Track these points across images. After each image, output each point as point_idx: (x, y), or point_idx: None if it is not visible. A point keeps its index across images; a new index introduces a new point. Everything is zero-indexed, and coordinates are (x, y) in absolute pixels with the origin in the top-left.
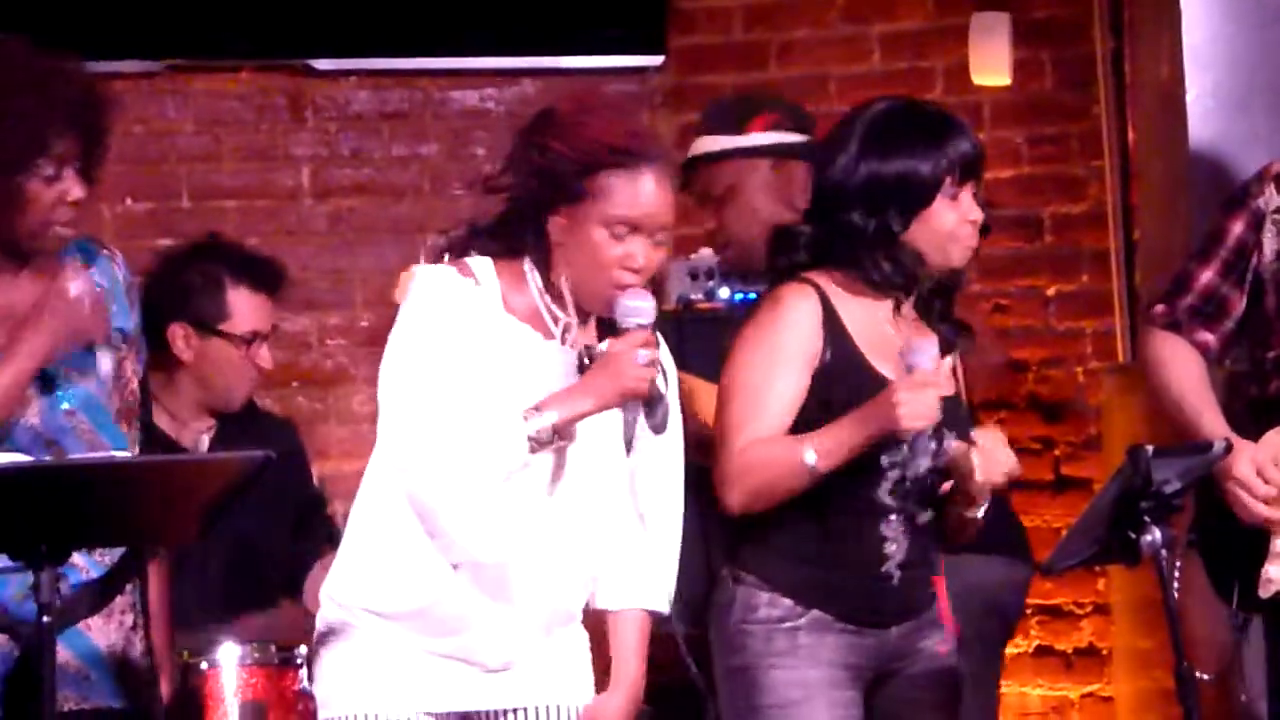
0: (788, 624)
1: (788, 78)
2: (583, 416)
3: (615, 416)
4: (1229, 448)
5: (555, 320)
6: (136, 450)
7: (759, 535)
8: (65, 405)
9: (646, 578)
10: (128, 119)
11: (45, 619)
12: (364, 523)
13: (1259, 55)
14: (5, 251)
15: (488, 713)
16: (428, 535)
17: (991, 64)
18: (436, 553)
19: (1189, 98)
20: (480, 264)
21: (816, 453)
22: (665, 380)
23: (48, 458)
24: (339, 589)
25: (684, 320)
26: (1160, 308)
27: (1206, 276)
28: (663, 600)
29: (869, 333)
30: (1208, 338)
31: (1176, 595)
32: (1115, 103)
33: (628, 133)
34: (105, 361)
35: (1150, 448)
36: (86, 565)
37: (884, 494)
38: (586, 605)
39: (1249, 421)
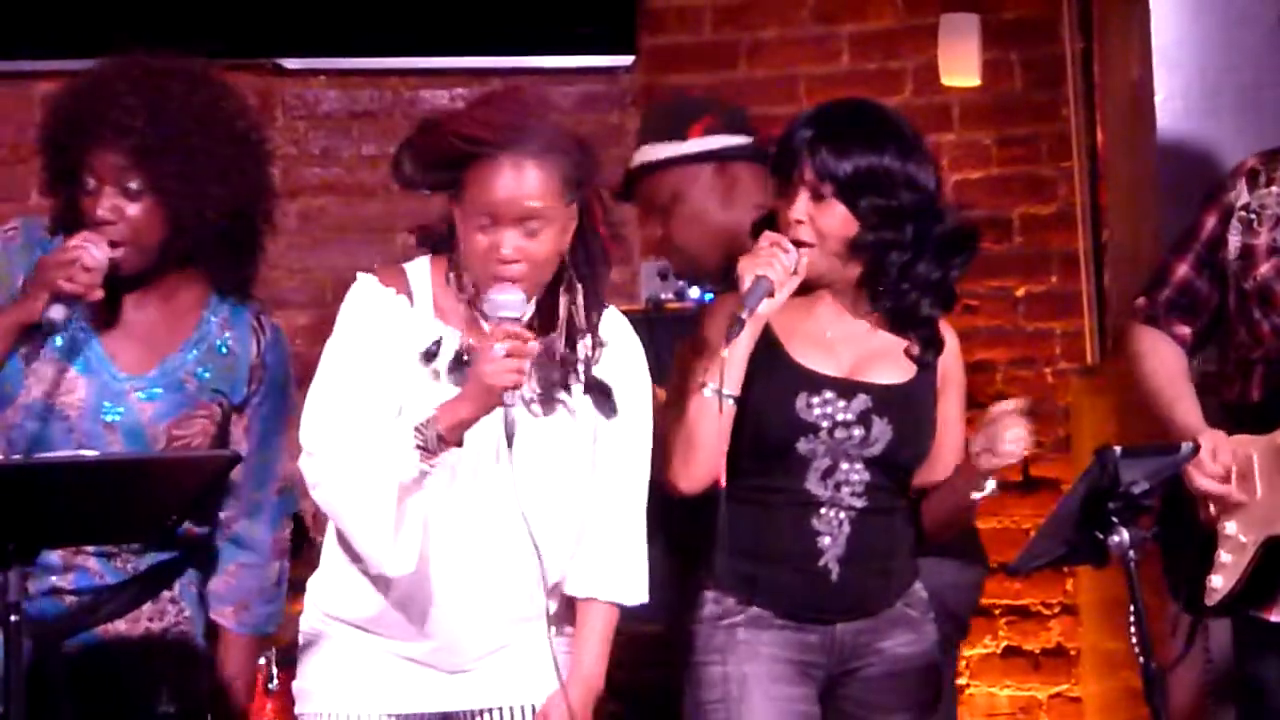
0: (726, 621)
1: (757, 78)
2: (466, 421)
3: (570, 415)
4: (1196, 449)
5: (486, 318)
6: None
7: (706, 533)
8: (108, 419)
9: (612, 570)
10: None
11: (12, 618)
12: (332, 530)
13: (1228, 57)
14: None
15: (452, 714)
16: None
17: (961, 65)
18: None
19: (1158, 99)
20: (417, 268)
21: (705, 378)
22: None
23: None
24: (314, 594)
25: (654, 320)
26: (1141, 300)
27: (1182, 270)
28: (628, 593)
29: (800, 326)
30: (1185, 330)
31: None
32: (1084, 104)
33: (483, 122)
34: (55, 311)
35: (1118, 448)
36: (101, 570)
37: (812, 484)
38: (562, 602)
39: (1220, 422)
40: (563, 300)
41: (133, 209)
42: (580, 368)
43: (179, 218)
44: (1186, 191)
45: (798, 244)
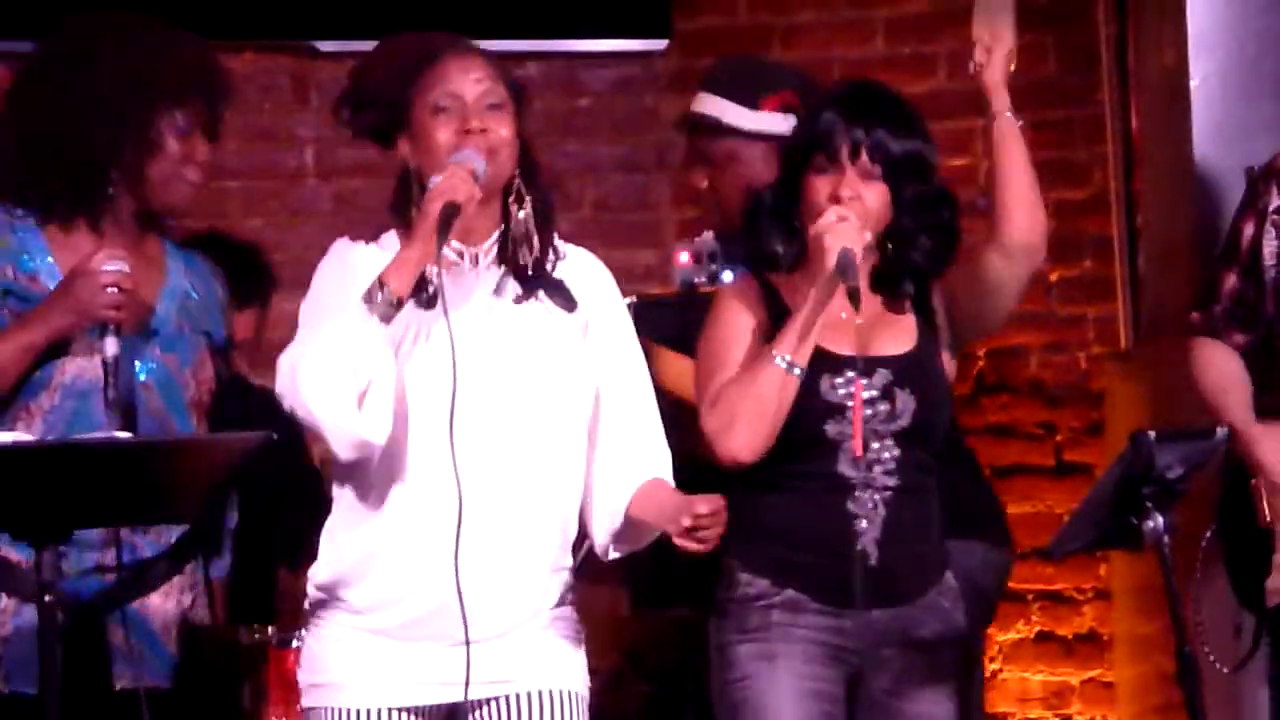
0: (762, 602)
1: (792, 61)
2: (414, 264)
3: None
4: (1231, 434)
5: (459, 254)
6: None
7: (736, 514)
8: (142, 377)
9: (656, 453)
10: None
11: (47, 598)
12: (332, 512)
13: (1263, 42)
14: (133, 215)
15: (465, 704)
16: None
17: None
18: (381, 529)
19: (1193, 84)
20: (388, 236)
21: (779, 350)
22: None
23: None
24: (312, 574)
25: (687, 304)
26: (1196, 315)
27: (1231, 281)
28: (669, 472)
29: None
30: (1242, 339)
31: (1199, 579)
32: (1119, 88)
33: (420, 39)
34: (110, 346)
35: (1153, 433)
36: (143, 544)
37: (845, 466)
38: (571, 589)
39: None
40: (512, 209)
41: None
42: (530, 271)
43: None
44: (1221, 177)
45: None
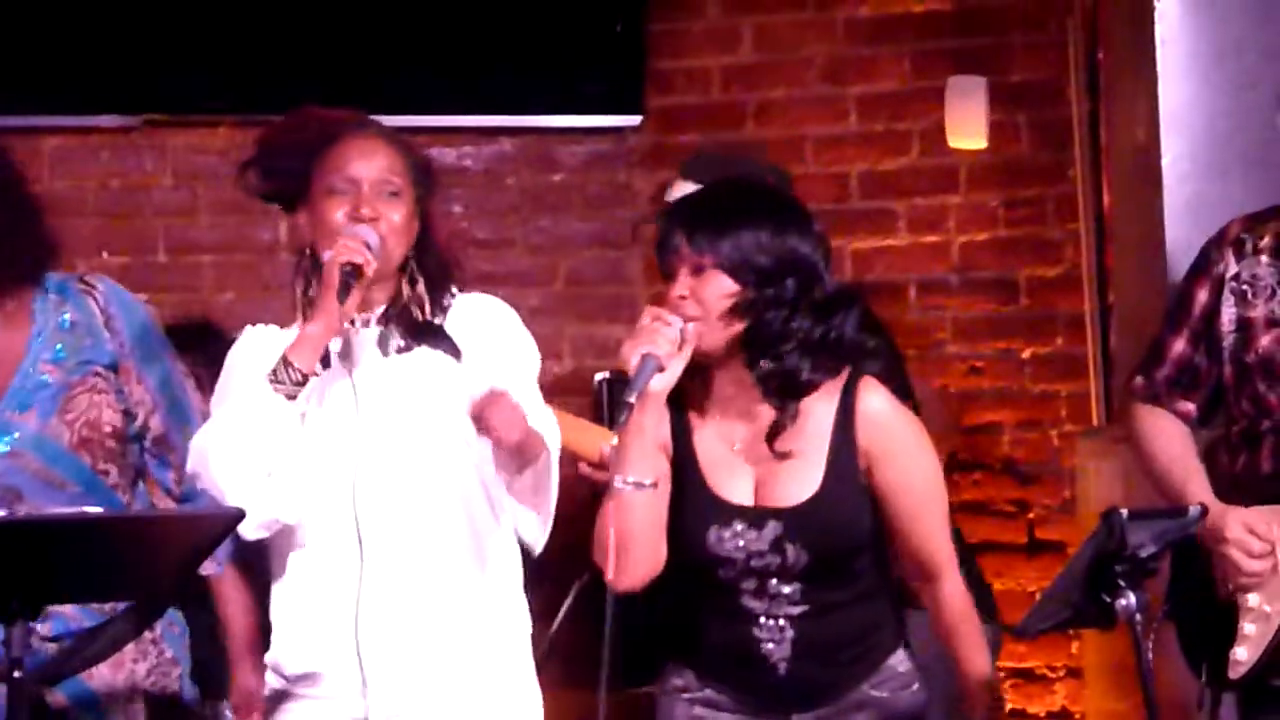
0: (686, 695)
1: (764, 138)
2: (317, 339)
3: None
4: (1204, 512)
5: (350, 321)
6: (113, 479)
7: (676, 610)
8: (5, 448)
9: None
10: (104, 173)
11: (16, 674)
12: (277, 591)
13: (1235, 120)
14: None
15: None
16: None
17: (968, 126)
18: (300, 602)
19: (1165, 161)
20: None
21: (617, 473)
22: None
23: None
24: (270, 657)
25: None
26: (1139, 380)
27: (1179, 346)
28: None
29: (707, 429)
30: (1188, 407)
31: (1151, 660)
32: (1091, 166)
33: (326, 116)
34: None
35: (1125, 511)
36: (78, 615)
37: (746, 600)
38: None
39: (1227, 494)
40: (404, 287)
41: None
42: (415, 326)
43: None
44: (1193, 254)
45: (685, 319)
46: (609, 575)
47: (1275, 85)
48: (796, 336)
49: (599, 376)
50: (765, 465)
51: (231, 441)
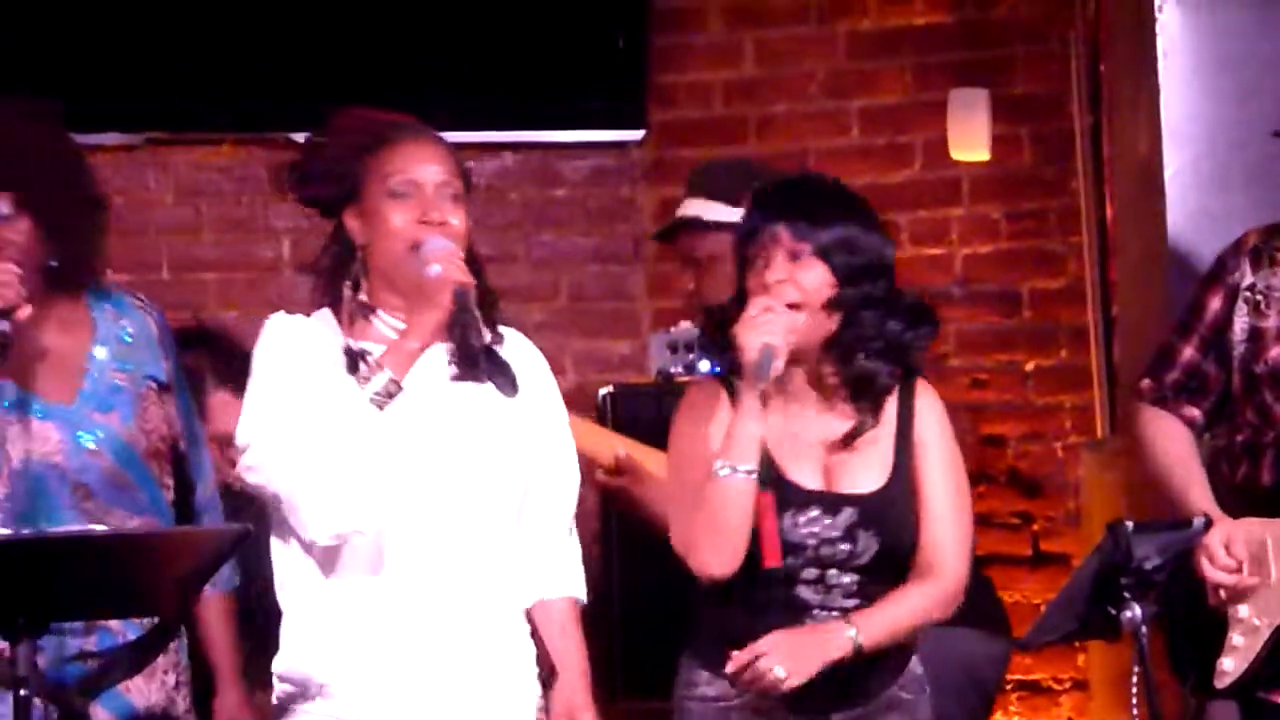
0: (721, 703)
1: (767, 152)
2: (415, 354)
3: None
4: (1209, 524)
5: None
6: (170, 494)
7: (699, 615)
8: (89, 445)
9: (563, 568)
10: (107, 190)
11: (22, 692)
12: (290, 605)
13: (1237, 131)
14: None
15: None
16: (300, 545)
17: (970, 139)
18: (329, 607)
19: (1167, 173)
20: (321, 314)
21: (720, 459)
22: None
23: (74, 501)
24: (279, 668)
25: (664, 393)
26: (1146, 382)
27: (1188, 352)
28: (582, 589)
29: (778, 421)
30: (1194, 412)
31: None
32: (1094, 178)
33: (376, 118)
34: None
35: (1130, 523)
36: (122, 628)
37: (802, 591)
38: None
39: (1227, 503)
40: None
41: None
42: (477, 347)
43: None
44: (1196, 266)
45: (787, 305)
46: (703, 564)
47: (1277, 96)
48: (887, 338)
49: (602, 391)
50: (833, 455)
51: (318, 445)
